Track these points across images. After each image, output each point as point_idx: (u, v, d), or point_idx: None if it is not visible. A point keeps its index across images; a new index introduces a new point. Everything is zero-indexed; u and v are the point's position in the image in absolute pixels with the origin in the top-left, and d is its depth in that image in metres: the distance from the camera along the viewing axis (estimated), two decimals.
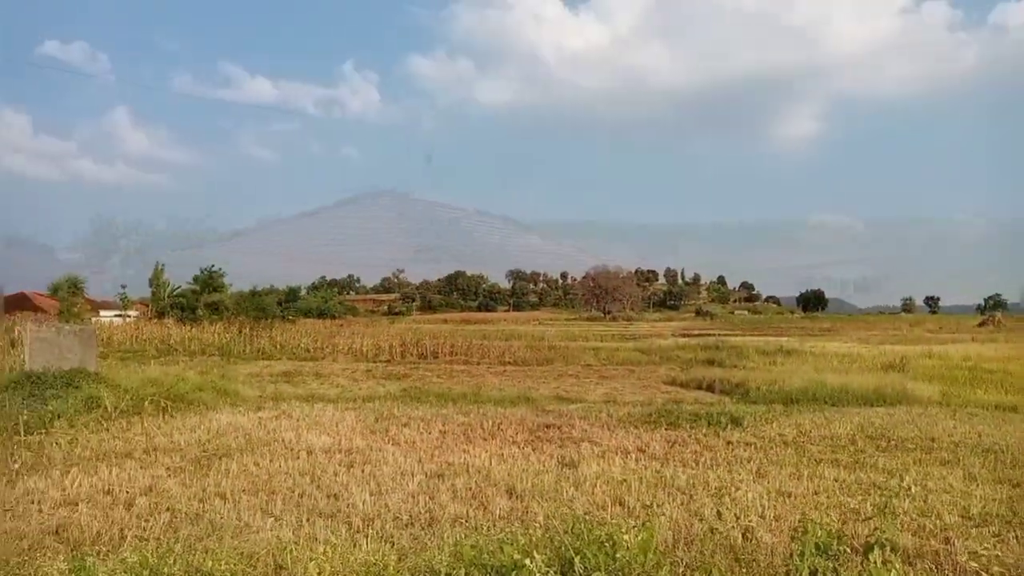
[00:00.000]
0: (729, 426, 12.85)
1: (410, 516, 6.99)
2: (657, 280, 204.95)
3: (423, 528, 6.63)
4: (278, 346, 35.05)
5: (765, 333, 61.29)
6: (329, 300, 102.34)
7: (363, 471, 8.89)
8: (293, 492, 7.80)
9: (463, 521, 6.82)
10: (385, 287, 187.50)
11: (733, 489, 8.14)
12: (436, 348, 33.89)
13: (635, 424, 13.08)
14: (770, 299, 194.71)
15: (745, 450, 10.76)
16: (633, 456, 10.06)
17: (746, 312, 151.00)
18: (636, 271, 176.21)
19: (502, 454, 10.08)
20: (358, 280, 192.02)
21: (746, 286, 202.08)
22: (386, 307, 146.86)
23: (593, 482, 8.31)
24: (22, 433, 11.13)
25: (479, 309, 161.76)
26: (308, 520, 6.77)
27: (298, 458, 9.62)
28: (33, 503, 7.34)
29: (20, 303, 57.30)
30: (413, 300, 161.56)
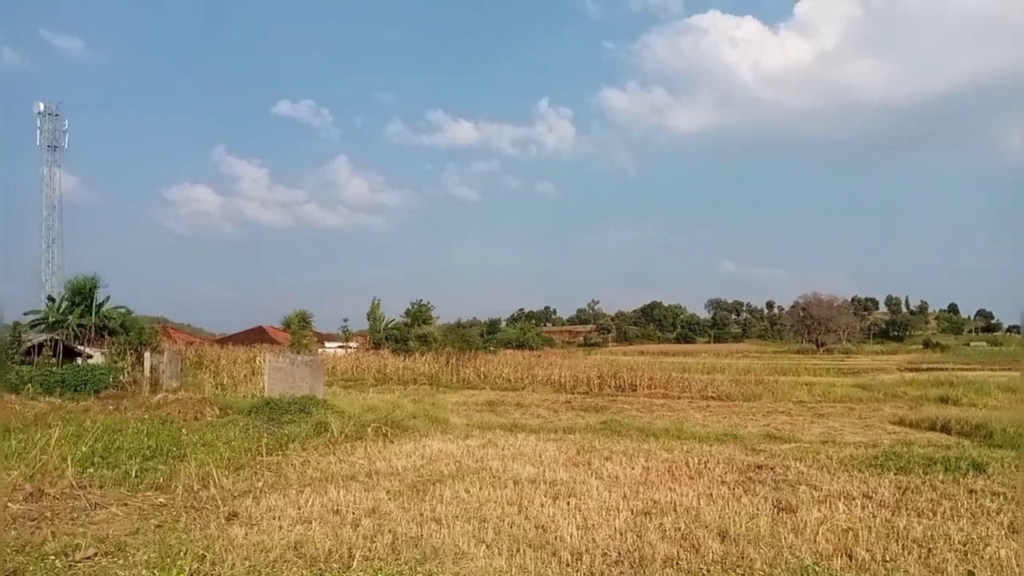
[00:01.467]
0: (971, 472, 11.44)
1: (619, 553, 6.87)
2: (877, 308, 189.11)
3: (634, 567, 6.49)
4: (482, 376, 36.47)
5: (1009, 367, 54.24)
6: (527, 332, 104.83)
7: (568, 504, 8.91)
8: (503, 521, 7.96)
9: (674, 563, 6.59)
10: (580, 318, 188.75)
11: (982, 545, 7.20)
12: (634, 380, 33.48)
13: (858, 467, 12.02)
14: (1013, 329, 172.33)
15: (992, 500, 9.50)
16: (858, 502, 9.22)
17: (984, 344, 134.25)
18: (853, 299, 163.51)
19: (711, 494, 9.67)
20: (554, 311, 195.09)
21: (983, 314, 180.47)
22: (582, 338, 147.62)
23: (815, 529, 7.70)
24: (264, 454, 12.37)
25: (677, 340, 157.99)
26: (519, 550, 6.87)
27: (505, 487, 9.84)
28: (275, 519, 8.08)
29: (259, 336, 64.36)
30: (609, 331, 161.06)
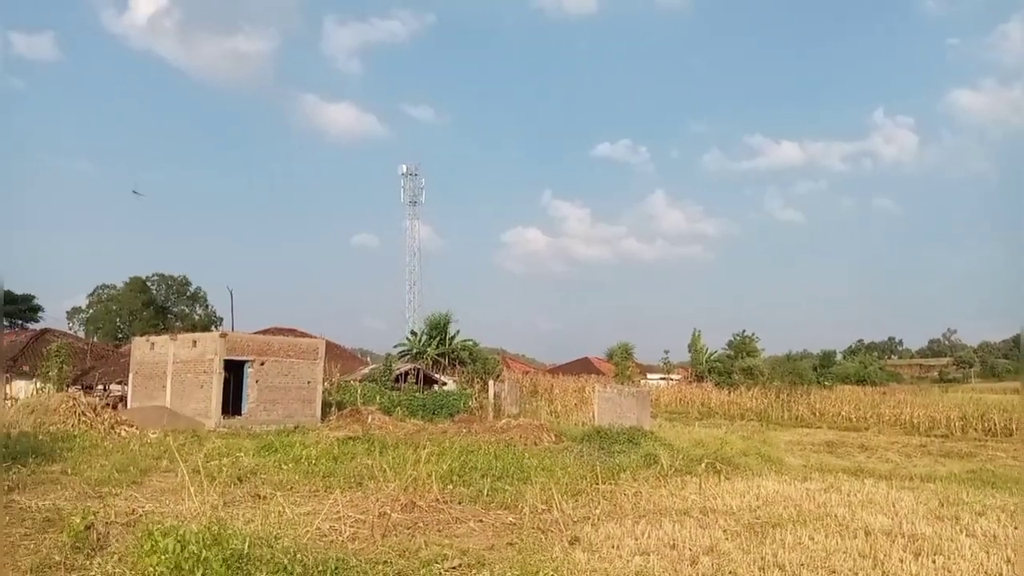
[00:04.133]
0: None
1: None
2: None
3: None
4: (816, 413, 34.11)
5: None
6: (868, 365, 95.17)
7: (934, 562, 7.90)
8: (855, 575, 7.31)
9: None
10: (933, 350, 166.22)
11: None
12: (1008, 423, 28.85)
13: None
14: None
15: None
16: None
17: None
18: None
19: None
20: (900, 343, 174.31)
21: None
22: (936, 373, 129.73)
23: None
24: (599, 481, 12.83)
25: None
26: None
27: (855, 537, 9.03)
28: (614, 547, 8.35)
29: (584, 366, 67.10)
30: (971, 365, 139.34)
